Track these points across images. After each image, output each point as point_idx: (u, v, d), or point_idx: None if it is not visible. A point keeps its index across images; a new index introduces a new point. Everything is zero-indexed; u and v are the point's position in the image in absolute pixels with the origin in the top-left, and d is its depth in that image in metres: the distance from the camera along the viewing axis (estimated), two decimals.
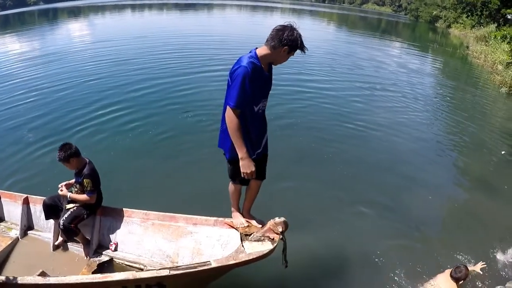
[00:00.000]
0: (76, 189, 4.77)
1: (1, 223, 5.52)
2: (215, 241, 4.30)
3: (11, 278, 3.74)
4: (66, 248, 5.07)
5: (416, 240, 6.24)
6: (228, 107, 3.51)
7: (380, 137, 10.40)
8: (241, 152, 3.59)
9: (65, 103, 11.58)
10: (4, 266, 4.81)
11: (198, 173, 7.68)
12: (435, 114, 13.05)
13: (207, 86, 13.58)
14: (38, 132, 9.39)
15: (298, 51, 3.55)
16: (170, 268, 3.72)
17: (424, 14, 67.97)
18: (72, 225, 4.63)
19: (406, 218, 6.79)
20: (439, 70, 23.28)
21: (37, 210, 5.30)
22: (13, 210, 5.44)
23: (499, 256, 5.89)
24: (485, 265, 5.45)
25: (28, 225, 5.38)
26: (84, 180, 4.59)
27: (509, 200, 7.67)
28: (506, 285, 5.02)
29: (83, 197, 4.67)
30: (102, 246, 4.93)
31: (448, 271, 5.14)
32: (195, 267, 3.71)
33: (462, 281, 4.97)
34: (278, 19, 50.29)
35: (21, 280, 3.72)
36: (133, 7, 68.00)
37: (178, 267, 3.76)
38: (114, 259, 4.75)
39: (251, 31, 30.97)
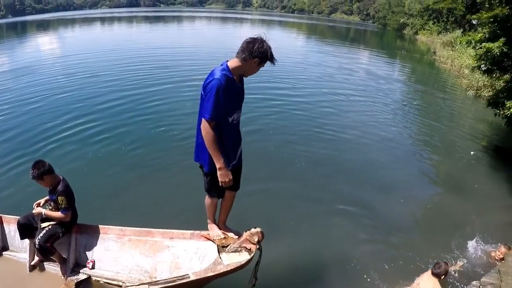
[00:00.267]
0: (50, 207, 4.72)
1: None
2: (193, 254, 4.30)
3: None
4: (43, 268, 5.00)
5: (391, 242, 6.37)
6: (203, 120, 3.56)
7: (351, 143, 10.60)
8: (218, 163, 3.65)
9: (35, 118, 11.36)
10: None
11: (172, 186, 7.69)
12: (405, 118, 13.38)
13: (178, 98, 13.60)
14: (7, 148, 9.20)
15: (268, 62, 3.63)
16: (149, 283, 3.74)
17: (391, 22, 69.43)
18: (48, 244, 4.57)
19: (380, 221, 6.92)
20: (407, 76, 23.82)
21: (11, 230, 5.22)
22: None
23: (473, 252, 6.08)
24: (464, 263, 5.64)
25: (2, 246, 5.28)
26: (59, 197, 4.55)
27: (480, 198, 7.96)
28: (481, 279, 5.16)
29: (58, 214, 4.63)
30: (79, 264, 4.87)
31: (430, 270, 5.31)
32: (174, 281, 3.74)
33: (443, 276, 5.14)
34: (247, 30, 50.82)
35: None
36: (103, 20, 67.61)
37: (157, 282, 3.79)
38: (92, 277, 4.69)
39: (221, 43, 31.06)
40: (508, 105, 9.40)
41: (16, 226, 4.92)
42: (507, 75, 11.08)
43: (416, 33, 55.95)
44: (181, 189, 7.37)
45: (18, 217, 4.97)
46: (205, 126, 3.56)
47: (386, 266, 5.75)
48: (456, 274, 5.58)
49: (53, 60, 22.42)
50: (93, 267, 4.79)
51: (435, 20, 39.23)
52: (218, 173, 3.70)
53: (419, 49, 39.92)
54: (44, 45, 32.81)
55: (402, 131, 12.02)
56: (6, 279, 4.89)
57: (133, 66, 19.50)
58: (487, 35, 11.12)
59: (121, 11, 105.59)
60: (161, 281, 3.82)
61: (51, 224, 4.69)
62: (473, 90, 17.28)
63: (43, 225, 4.68)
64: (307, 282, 5.46)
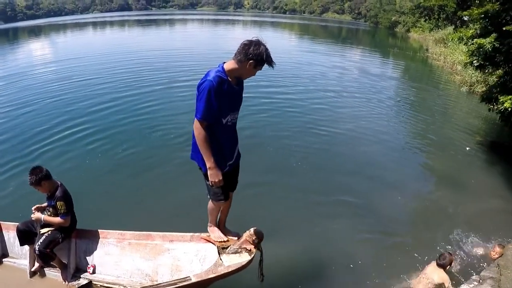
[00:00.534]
0: (49, 213, 4.71)
1: None
2: (193, 256, 4.32)
3: None
4: (43, 274, 4.99)
5: (391, 238, 6.43)
6: (195, 119, 3.58)
7: (347, 141, 10.65)
8: (209, 162, 3.67)
9: (29, 123, 11.35)
10: None
11: (169, 188, 7.67)
12: (400, 115, 13.47)
13: (172, 100, 13.67)
14: (2, 154, 9.18)
15: (266, 65, 3.64)
16: (150, 287, 3.74)
17: (383, 20, 69.62)
18: (47, 250, 4.58)
19: (378, 217, 6.98)
20: (400, 73, 23.91)
21: (10, 236, 5.21)
22: None
23: (472, 247, 6.13)
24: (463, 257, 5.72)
25: (2, 253, 5.28)
26: (58, 203, 4.55)
27: (476, 193, 8.02)
28: (481, 273, 5.21)
29: (57, 220, 4.63)
30: (80, 269, 4.88)
31: (434, 261, 5.39)
32: (176, 283, 3.75)
33: (448, 266, 5.25)
34: (240, 32, 50.81)
35: None
36: (95, 24, 67.41)
37: (159, 285, 3.80)
38: (93, 282, 4.70)
39: (214, 45, 31.09)
40: (502, 100, 9.46)
41: (16, 233, 4.91)
42: (499, 70, 11.18)
43: (408, 30, 56.07)
44: (178, 191, 7.38)
45: (17, 223, 4.96)
46: (196, 126, 3.59)
47: (387, 262, 5.80)
48: (456, 269, 5.63)
49: (46, 65, 22.36)
50: (94, 272, 4.79)
51: (427, 18, 39.57)
52: (209, 172, 3.71)
53: (412, 46, 40.05)
54: (36, 50, 32.71)
55: (397, 128, 12.09)
56: (6, 286, 4.89)
57: (126, 70, 19.49)
58: (478, 31, 11.22)
59: (113, 15, 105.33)
60: (162, 284, 3.83)
61: (51, 230, 4.69)
62: (466, 86, 17.34)
63: (43, 231, 4.69)
64: (309, 280, 5.48)
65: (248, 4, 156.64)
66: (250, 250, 3.98)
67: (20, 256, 5.21)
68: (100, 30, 57.82)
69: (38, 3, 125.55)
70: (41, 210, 4.80)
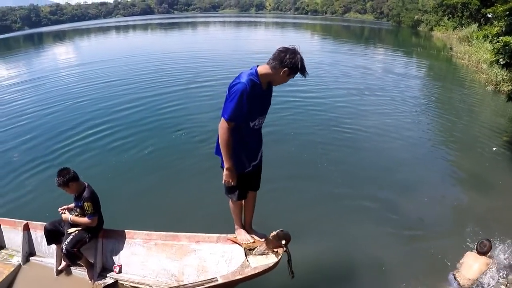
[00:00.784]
0: (76, 213, 4.75)
1: (2, 251, 5.49)
2: (219, 257, 4.30)
3: None
4: (69, 273, 5.04)
5: (417, 240, 6.31)
6: (222, 119, 3.57)
7: (371, 139, 10.54)
8: (227, 163, 3.68)
9: (56, 125, 11.66)
10: None
11: (196, 188, 7.70)
12: (425, 114, 13.22)
13: (195, 101, 13.79)
14: (31, 155, 9.40)
15: (298, 74, 3.62)
16: (177, 287, 3.73)
17: (406, 19, 68.77)
18: (75, 249, 4.62)
19: (404, 218, 6.89)
20: (425, 72, 23.58)
21: (38, 236, 5.28)
22: (14, 237, 5.41)
23: (499, 251, 5.95)
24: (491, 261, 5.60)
25: (30, 252, 5.35)
26: (85, 203, 4.59)
27: (504, 195, 7.78)
28: (508, 277, 5.12)
29: (85, 220, 4.67)
30: (106, 268, 4.91)
31: (471, 251, 5.54)
32: (202, 284, 3.74)
33: (488, 253, 5.35)
34: (261, 33, 50.80)
35: None
36: (118, 28, 68.43)
37: (186, 286, 3.79)
38: (119, 281, 4.72)
39: (236, 46, 31.23)
40: None
41: (43, 232, 4.97)
42: None
43: (431, 29, 55.28)
44: (205, 192, 7.37)
45: (45, 223, 5.02)
46: (222, 125, 3.57)
47: (413, 263, 5.73)
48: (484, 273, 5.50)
49: (70, 68, 22.90)
50: (120, 271, 4.82)
51: (450, 16, 38.94)
52: (224, 172, 3.73)
53: (435, 45, 39.46)
54: (61, 54, 33.38)
55: (422, 126, 11.88)
56: (34, 284, 4.96)
57: (149, 71, 19.83)
58: (504, 29, 10.98)
59: (136, 19, 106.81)
60: (189, 285, 3.82)
61: (78, 230, 4.74)
62: (492, 85, 16.96)
63: (70, 230, 4.74)
64: (336, 280, 5.44)
65: (270, 5, 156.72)
66: (277, 251, 3.95)
67: (47, 255, 5.27)
68: (123, 34, 58.71)
69: (62, 9, 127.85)
70: (69, 210, 4.85)
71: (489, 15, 27.32)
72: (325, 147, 9.74)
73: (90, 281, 4.81)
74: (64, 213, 4.79)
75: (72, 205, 4.86)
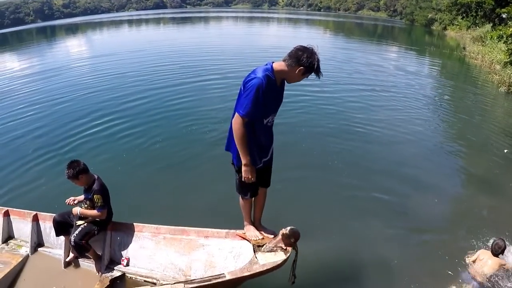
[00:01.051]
0: (86, 206, 4.76)
1: (11, 241, 5.53)
2: (228, 253, 4.29)
3: None
4: (77, 265, 5.06)
5: (426, 242, 6.24)
6: (236, 114, 3.55)
7: (382, 138, 10.45)
8: (245, 159, 3.67)
9: (67, 117, 11.71)
10: (15, 284, 4.81)
11: (205, 183, 7.67)
12: (436, 113, 13.12)
13: (206, 95, 13.76)
14: (41, 147, 9.44)
15: (313, 74, 3.63)
16: (185, 282, 3.72)
17: (419, 18, 68.22)
18: (83, 241, 4.63)
19: (414, 219, 6.81)
20: (437, 72, 23.35)
21: (46, 227, 5.30)
22: (23, 228, 5.45)
23: (510, 255, 5.89)
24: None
25: (38, 242, 5.38)
26: (95, 196, 4.60)
27: None
28: None
29: (94, 213, 4.67)
30: (114, 261, 4.91)
31: (485, 250, 5.58)
32: (210, 280, 3.72)
33: (503, 253, 5.38)
34: (274, 29, 50.69)
35: None
36: (130, 22, 68.60)
37: (193, 281, 3.77)
38: (127, 274, 4.73)
39: (248, 42, 31.18)
40: None
41: (52, 224, 4.98)
42: None
43: (444, 28, 54.78)
44: (214, 186, 7.35)
45: (54, 214, 5.03)
46: (237, 121, 3.55)
47: (422, 266, 5.63)
48: (494, 277, 5.43)
49: (82, 61, 23.00)
50: (127, 264, 4.82)
51: (464, 15, 38.46)
52: (243, 169, 3.72)
53: (449, 44, 39.12)
54: (73, 47, 33.52)
55: (433, 126, 11.77)
56: (41, 274, 4.97)
57: (161, 65, 19.80)
58: None
59: (148, 13, 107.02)
60: (197, 280, 3.79)
61: (87, 222, 4.75)
62: (505, 86, 16.75)
63: (79, 222, 4.75)
64: (345, 281, 5.39)
65: (283, 1, 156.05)
66: (286, 249, 3.92)
67: (55, 246, 5.28)
68: (135, 28, 58.84)
69: (74, 2, 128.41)
70: (76, 202, 4.86)
71: (504, 15, 27.04)
72: (336, 144, 9.69)
73: (97, 273, 4.82)
74: (72, 205, 4.80)
75: (80, 197, 4.88)
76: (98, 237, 4.87)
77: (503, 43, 18.31)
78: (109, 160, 8.63)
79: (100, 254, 4.92)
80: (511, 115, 13.57)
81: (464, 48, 32.26)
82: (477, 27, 36.04)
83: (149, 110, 12.10)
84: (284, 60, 3.56)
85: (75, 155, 8.29)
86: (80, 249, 4.71)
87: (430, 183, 8.08)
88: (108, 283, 4.57)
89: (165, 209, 6.67)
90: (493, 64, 21.68)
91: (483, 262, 5.34)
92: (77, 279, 4.87)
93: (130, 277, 4.72)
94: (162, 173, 8.19)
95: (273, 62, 3.62)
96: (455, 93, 17.20)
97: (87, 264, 5.00)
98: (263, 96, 3.46)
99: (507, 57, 11.31)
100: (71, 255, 5.07)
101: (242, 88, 3.56)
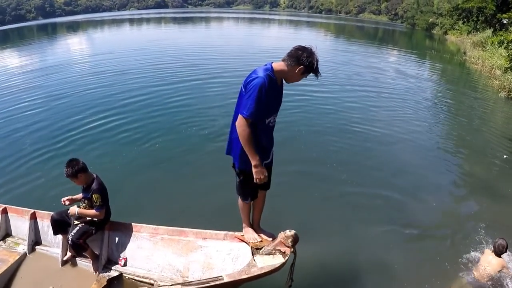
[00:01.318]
0: (84, 205, 4.74)
1: (8, 238, 5.50)
2: (226, 255, 4.27)
3: None
4: (74, 264, 5.03)
5: (425, 245, 6.27)
6: (240, 116, 3.51)
7: (381, 140, 10.48)
8: (254, 160, 3.63)
9: (68, 114, 11.70)
10: (12, 282, 4.79)
11: (205, 184, 7.65)
12: (436, 117, 13.14)
13: (206, 95, 13.76)
14: (40, 144, 9.41)
15: (312, 74, 3.63)
16: (182, 284, 3.72)
17: (420, 22, 68.39)
18: (81, 241, 4.61)
19: (412, 222, 6.81)
20: (437, 76, 23.39)
21: (44, 225, 5.28)
22: (21, 225, 5.42)
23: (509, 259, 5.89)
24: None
25: (35, 240, 5.35)
26: (93, 195, 4.58)
27: None
28: None
29: (92, 212, 4.65)
30: (111, 261, 4.90)
31: (488, 250, 5.58)
32: (207, 282, 3.71)
33: (505, 252, 5.40)
34: (275, 31, 50.70)
35: None
36: (131, 21, 68.59)
37: (191, 283, 3.76)
38: (124, 274, 4.71)
39: (249, 43, 31.19)
40: None
41: (50, 222, 4.95)
42: None
43: (445, 33, 54.90)
44: (214, 188, 7.33)
45: (52, 212, 5.01)
46: (241, 123, 3.51)
47: (421, 268, 5.66)
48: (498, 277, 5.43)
49: (83, 59, 22.98)
50: (125, 265, 4.80)
51: (465, 20, 38.49)
52: (254, 170, 3.67)
53: (449, 49, 39.20)
54: (74, 45, 33.52)
55: (433, 130, 11.81)
56: (38, 272, 4.94)
57: (161, 65, 19.80)
58: None
59: (149, 13, 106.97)
60: (194, 282, 3.79)
61: (85, 221, 4.73)
62: (505, 91, 16.79)
63: (77, 221, 4.73)
64: (343, 284, 5.38)
65: (284, 3, 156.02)
66: (284, 252, 3.90)
67: (53, 245, 5.27)
68: (136, 27, 58.80)
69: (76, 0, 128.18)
70: (72, 201, 4.84)
71: (505, 21, 27.08)
72: (335, 146, 9.71)
73: (94, 273, 4.79)
74: (67, 205, 4.78)
75: (77, 196, 4.86)
76: (96, 237, 4.86)
77: (504, 48, 18.29)
78: (108, 159, 8.61)
79: (97, 253, 4.90)
80: (510, 121, 13.57)
81: (464, 53, 32.35)
82: (478, 32, 36.06)
83: (149, 110, 12.08)
84: (283, 60, 3.57)
85: (74, 153, 8.28)
86: (78, 248, 4.68)
87: (428, 187, 8.11)
88: (105, 283, 4.55)
89: (163, 210, 6.66)
90: (494, 69, 21.74)
91: (486, 262, 5.36)
92: (74, 278, 4.85)
93: (128, 277, 4.70)
94: (162, 173, 8.17)
95: (272, 62, 3.62)
96: (455, 97, 17.23)
97: (84, 263, 4.98)
98: (266, 95, 3.46)
99: (508, 62, 11.30)
100: (69, 254, 5.04)
101: (243, 89, 3.55)
